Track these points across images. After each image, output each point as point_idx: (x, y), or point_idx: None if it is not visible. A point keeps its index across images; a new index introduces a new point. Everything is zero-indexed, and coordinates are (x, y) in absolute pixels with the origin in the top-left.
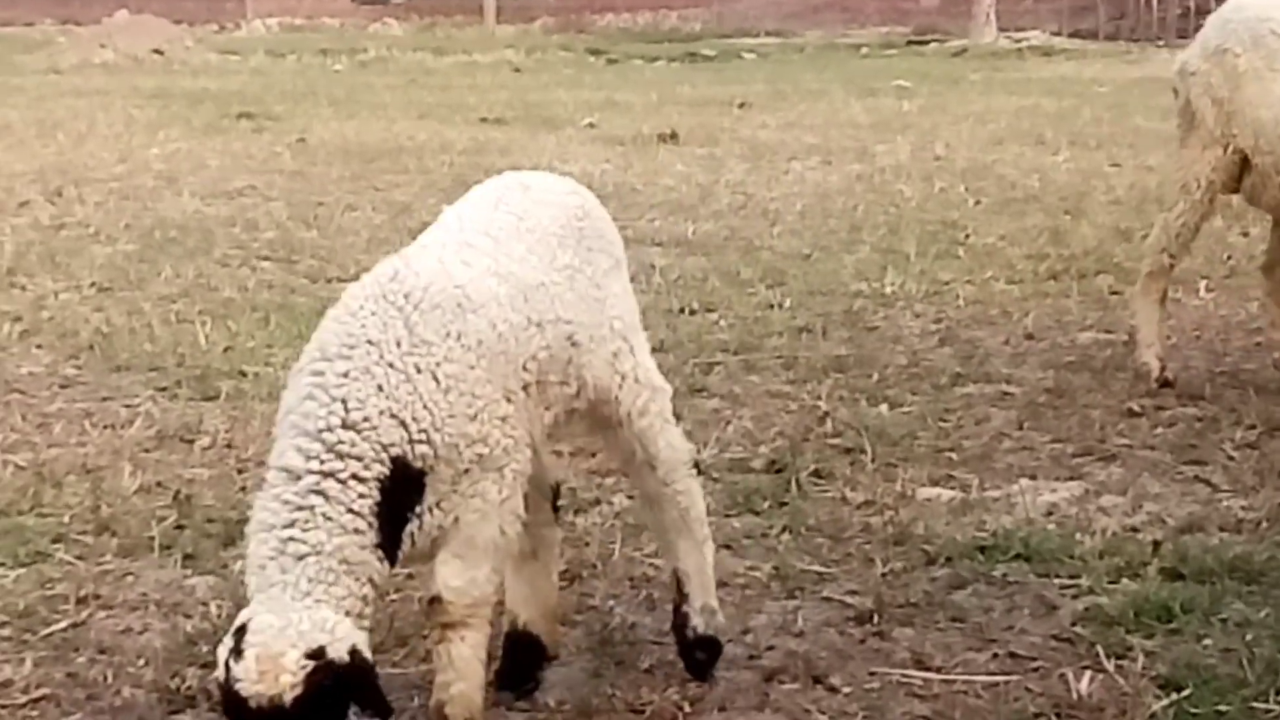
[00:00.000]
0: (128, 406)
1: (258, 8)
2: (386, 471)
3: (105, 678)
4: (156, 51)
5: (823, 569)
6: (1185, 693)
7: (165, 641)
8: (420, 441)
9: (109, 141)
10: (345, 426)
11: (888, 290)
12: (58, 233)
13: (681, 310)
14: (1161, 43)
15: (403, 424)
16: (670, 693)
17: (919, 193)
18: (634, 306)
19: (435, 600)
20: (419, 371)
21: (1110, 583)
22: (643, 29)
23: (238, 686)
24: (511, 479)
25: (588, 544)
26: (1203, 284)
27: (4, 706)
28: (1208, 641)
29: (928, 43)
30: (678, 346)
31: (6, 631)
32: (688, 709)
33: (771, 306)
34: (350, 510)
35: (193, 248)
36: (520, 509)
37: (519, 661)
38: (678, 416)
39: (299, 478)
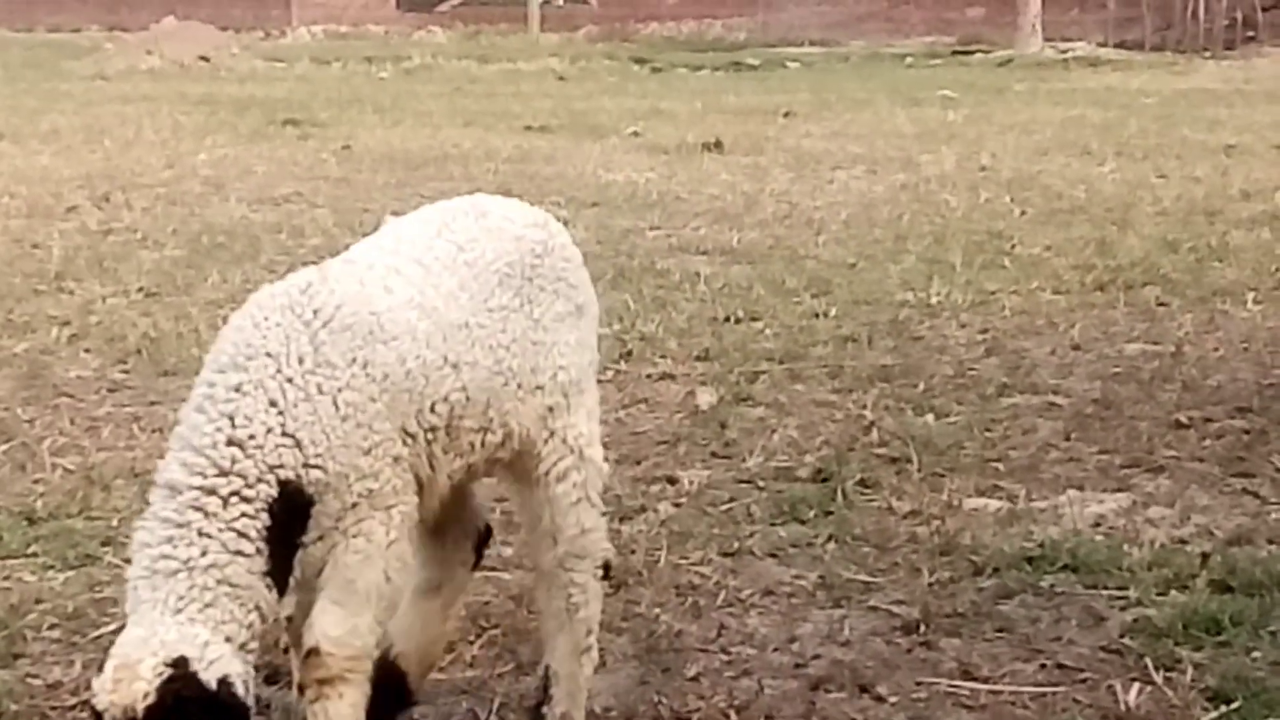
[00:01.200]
0: (175, 410)
1: (303, 15)
2: (274, 494)
3: None
4: (203, 58)
5: (869, 578)
6: (1234, 705)
7: None
8: (314, 466)
9: (156, 147)
10: (230, 443)
11: (933, 300)
12: (105, 238)
13: (727, 319)
14: (1208, 54)
15: (298, 445)
16: (717, 700)
17: (964, 203)
18: (590, 362)
19: (312, 652)
20: (320, 393)
21: (1158, 594)
22: (687, 38)
23: (94, 700)
24: (399, 521)
25: (633, 551)
26: (1250, 295)
27: (54, 708)
28: (1256, 654)
29: (973, 53)
30: (723, 355)
31: (56, 633)
32: (734, 717)
33: (817, 315)
34: (232, 529)
35: (239, 253)
36: (408, 556)
37: (376, 692)
38: (722, 425)
39: (179, 493)
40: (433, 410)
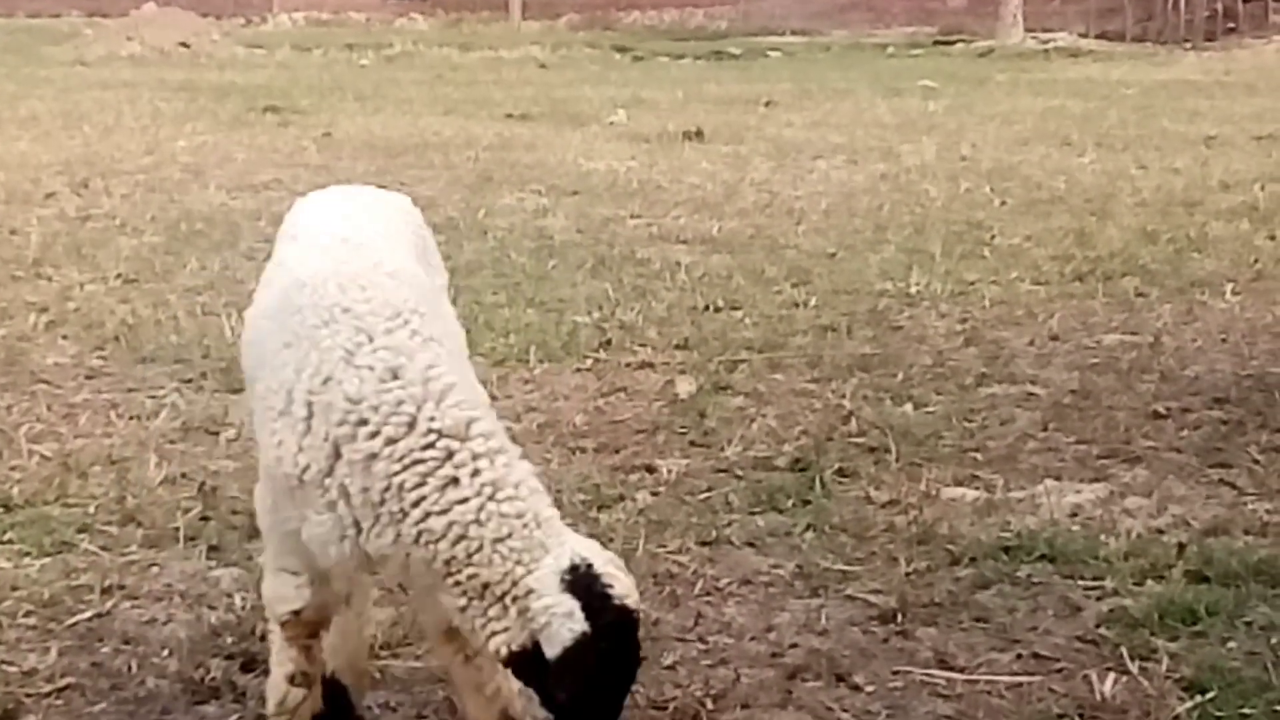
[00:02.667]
0: (153, 398)
1: (284, 1)
2: None
3: (130, 668)
4: (183, 44)
5: (846, 567)
6: (1209, 695)
7: (189, 632)
8: None
9: (135, 134)
10: None
11: (913, 290)
12: (84, 224)
13: (706, 308)
14: (1189, 45)
15: None
16: (693, 689)
17: (944, 193)
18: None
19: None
20: None
21: (1135, 584)
22: (669, 26)
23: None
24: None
25: (611, 540)
26: (1229, 287)
27: (29, 695)
28: (1232, 644)
29: (954, 43)
30: (702, 344)
31: (32, 621)
32: (710, 706)
33: (796, 305)
34: None
35: (218, 240)
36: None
37: (331, 708)
38: (701, 414)
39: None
40: None
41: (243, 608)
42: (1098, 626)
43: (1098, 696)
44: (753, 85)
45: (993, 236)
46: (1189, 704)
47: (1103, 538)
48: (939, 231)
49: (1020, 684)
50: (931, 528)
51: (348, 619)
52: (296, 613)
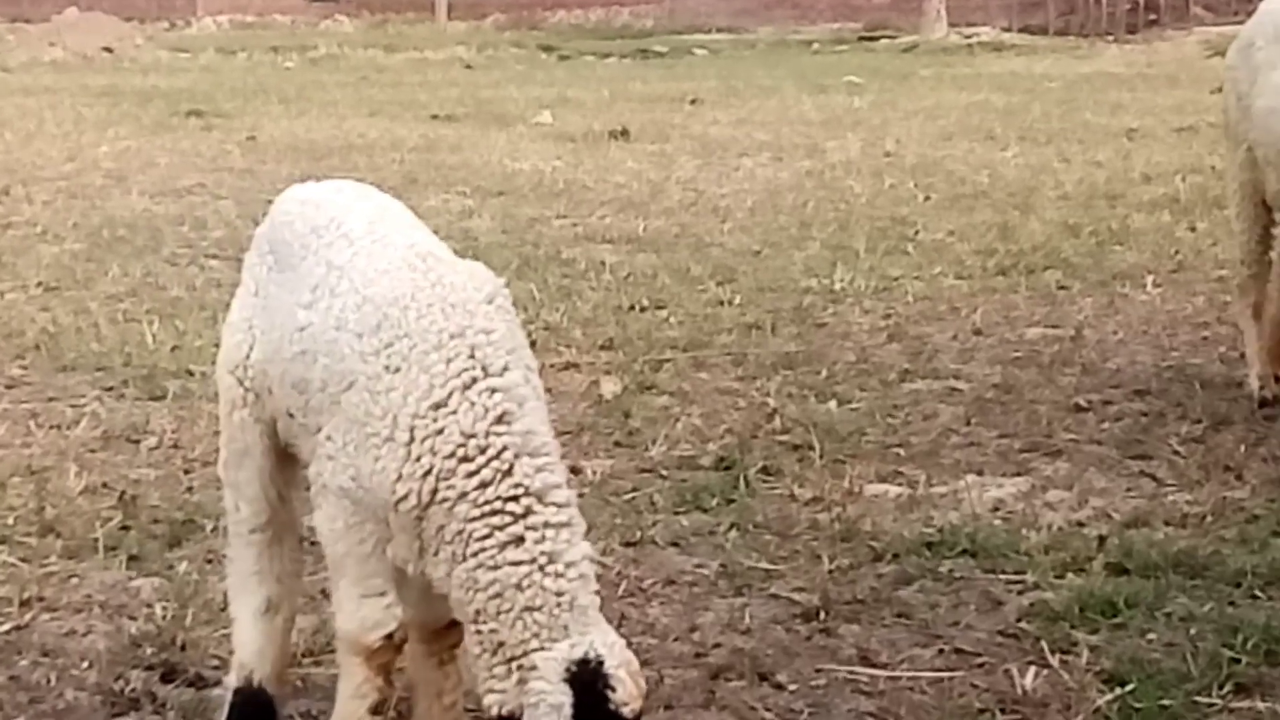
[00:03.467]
0: (74, 406)
1: (208, 5)
2: None
3: (48, 680)
4: (106, 49)
5: (770, 566)
6: (1129, 687)
7: (109, 644)
8: None
9: (57, 140)
10: None
11: (837, 287)
12: (4, 232)
13: (631, 308)
14: (1111, 38)
15: None
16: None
17: (869, 189)
18: None
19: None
20: None
21: (1055, 578)
22: (594, 25)
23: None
24: None
25: None
26: (1150, 279)
27: None
28: (1152, 636)
29: (878, 39)
30: (627, 344)
31: None
32: None
33: (721, 303)
34: None
35: (141, 246)
36: None
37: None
38: (626, 414)
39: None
40: None
41: (163, 618)
42: (1019, 620)
43: (1019, 690)
44: (678, 83)
45: (916, 232)
46: (1109, 696)
47: (1024, 531)
48: (863, 228)
49: (942, 679)
50: (855, 525)
51: (278, 627)
52: (390, 635)
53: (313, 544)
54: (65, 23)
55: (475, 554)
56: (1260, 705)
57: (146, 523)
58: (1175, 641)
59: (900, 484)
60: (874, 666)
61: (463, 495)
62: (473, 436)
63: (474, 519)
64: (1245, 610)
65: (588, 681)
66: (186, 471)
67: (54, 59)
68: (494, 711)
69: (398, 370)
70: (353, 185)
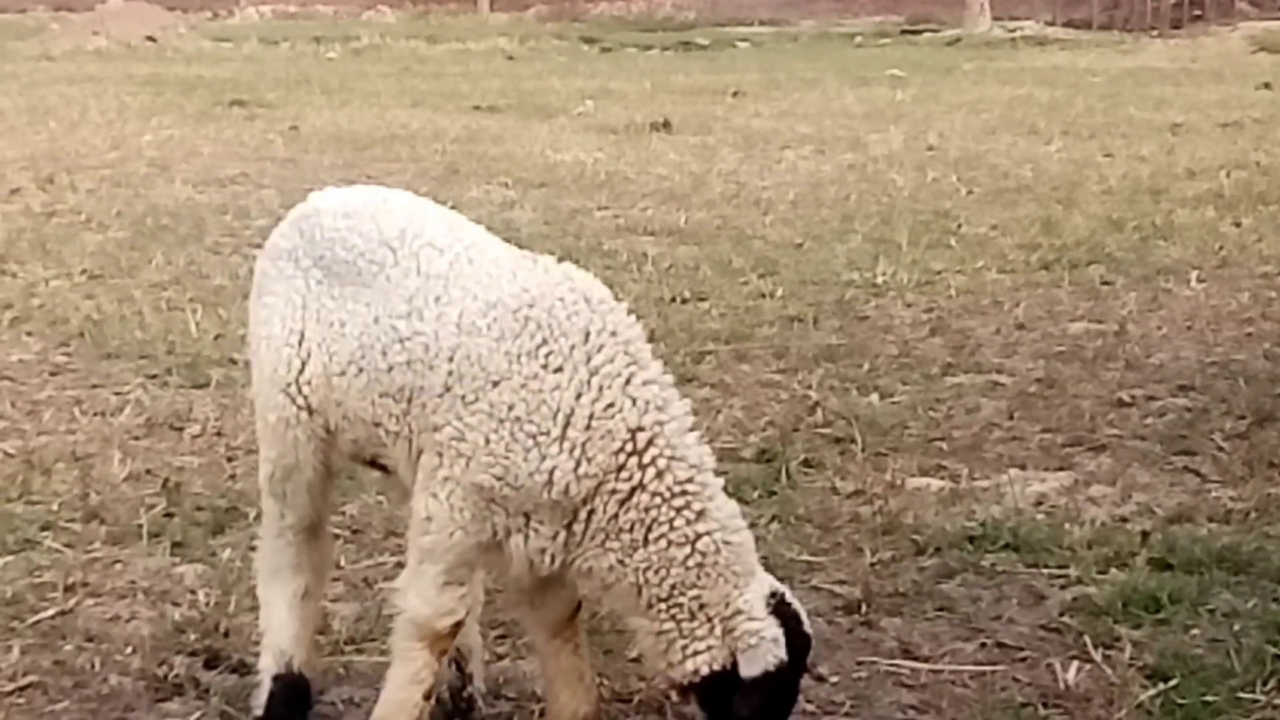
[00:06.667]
0: (118, 394)
1: None
2: None
3: (92, 665)
4: (150, 38)
5: (812, 558)
6: (1172, 683)
7: (153, 629)
8: None
9: (101, 128)
10: None
11: (879, 280)
12: (49, 220)
13: (673, 299)
14: (1155, 33)
15: None
16: (658, 681)
17: (911, 182)
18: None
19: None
20: None
21: (1099, 573)
22: (636, 17)
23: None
24: None
25: None
26: (1194, 274)
27: None
28: (1195, 632)
29: (921, 32)
30: (669, 335)
31: None
32: (674, 697)
33: (763, 296)
34: None
35: (184, 235)
36: None
37: (295, 703)
38: None
39: None
40: None
41: (206, 604)
42: (1061, 615)
43: (1061, 685)
44: (720, 76)
45: (959, 226)
46: (1152, 691)
47: (1067, 526)
48: (906, 221)
49: (984, 673)
50: (897, 518)
51: (312, 614)
52: (458, 623)
53: (354, 533)
54: (109, 11)
55: (662, 536)
56: None
57: (190, 510)
58: (1219, 637)
59: (942, 478)
60: (915, 660)
61: (640, 486)
62: (640, 430)
63: (655, 506)
64: None
65: (786, 610)
66: (230, 459)
67: (98, 48)
68: (704, 672)
69: (559, 370)
70: (383, 191)
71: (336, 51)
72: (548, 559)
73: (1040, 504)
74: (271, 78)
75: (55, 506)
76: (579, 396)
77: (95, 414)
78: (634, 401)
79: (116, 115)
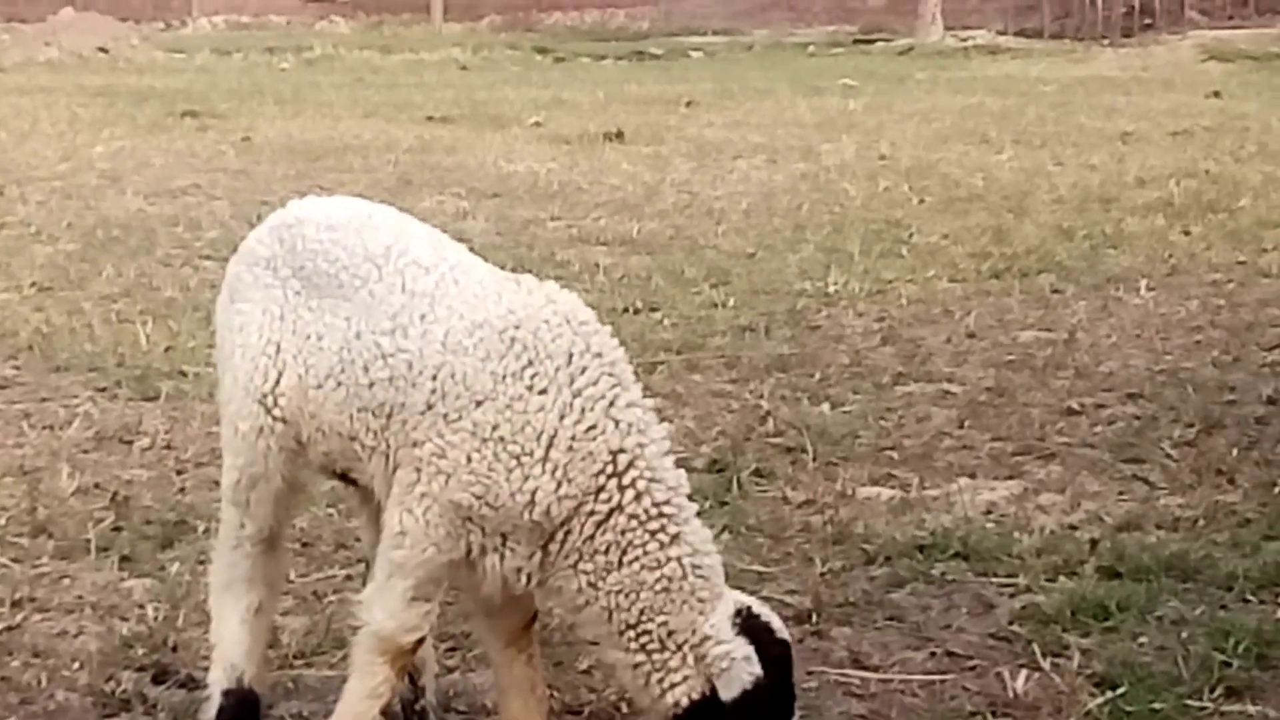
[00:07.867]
0: (66, 407)
1: (204, 5)
2: None
3: (39, 681)
4: (101, 49)
5: (763, 568)
6: (1120, 690)
7: (100, 644)
8: None
9: (52, 140)
10: None
11: (831, 289)
12: None
13: (625, 309)
14: (1106, 41)
15: None
16: (608, 693)
17: (863, 191)
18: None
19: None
20: None
21: (1047, 581)
22: (590, 27)
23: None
24: None
25: None
26: (1143, 282)
27: None
28: (1143, 639)
29: (874, 42)
30: (621, 346)
31: None
32: (625, 710)
33: (715, 305)
34: None
35: (135, 247)
36: None
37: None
38: None
39: None
40: None
41: (155, 619)
42: (1010, 623)
43: (1010, 693)
44: (674, 85)
45: (911, 235)
46: (1100, 699)
47: (1016, 535)
48: (858, 230)
49: (933, 682)
50: (847, 527)
51: (264, 629)
52: (420, 639)
53: (304, 546)
54: (61, 22)
55: (636, 559)
56: (1251, 709)
57: (139, 524)
58: (1167, 645)
59: (893, 487)
60: (865, 669)
61: (617, 508)
62: (621, 452)
63: (631, 528)
64: (1237, 614)
65: (755, 623)
66: (179, 472)
67: (49, 59)
68: (685, 702)
69: (544, 391)
70: (366, 205)
71: (289, 62)
72: (523, 579)
73: (990, 512)
74: (224, 88)
75: (2, 521)
76: (562, 418)
77: (44, 427)
78: (616, 424)
79: (68, 126)
